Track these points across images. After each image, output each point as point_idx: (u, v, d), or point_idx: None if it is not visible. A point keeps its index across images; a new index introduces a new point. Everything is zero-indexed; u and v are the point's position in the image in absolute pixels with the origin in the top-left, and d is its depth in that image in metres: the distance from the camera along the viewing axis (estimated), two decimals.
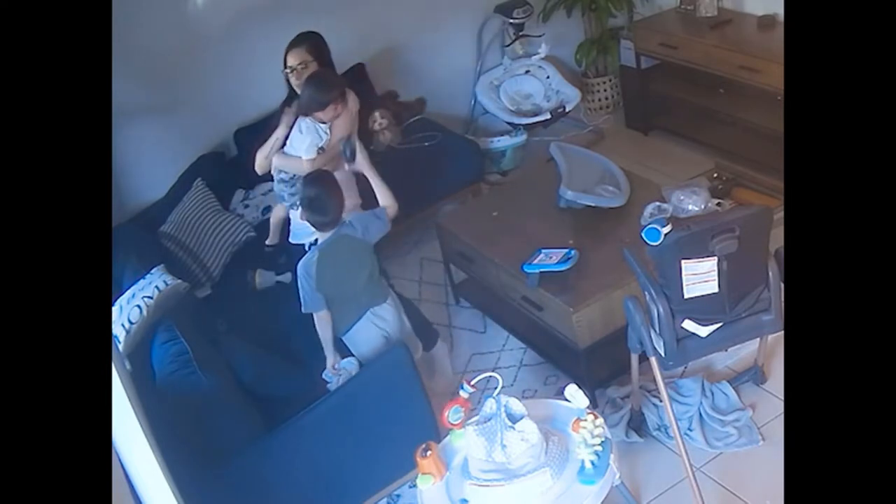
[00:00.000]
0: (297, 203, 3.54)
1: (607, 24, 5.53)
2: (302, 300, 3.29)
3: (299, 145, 3.61)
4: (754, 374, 3.43)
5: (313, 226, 3.32)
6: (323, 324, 3.32)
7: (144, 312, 3.43)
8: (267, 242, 4.13)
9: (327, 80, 3.66)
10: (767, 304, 2.91)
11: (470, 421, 2.62)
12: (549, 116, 5.15)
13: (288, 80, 3.77)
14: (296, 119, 3.61)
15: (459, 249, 4.00)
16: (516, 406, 2.57)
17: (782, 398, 3.28)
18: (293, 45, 3.77)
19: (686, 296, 2.78)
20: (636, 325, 2.93)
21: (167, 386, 3.08)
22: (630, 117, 5.57)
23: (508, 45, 5.40)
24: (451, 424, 2.68)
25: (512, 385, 3.72)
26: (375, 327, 3.38)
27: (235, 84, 4.68)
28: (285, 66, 3.75)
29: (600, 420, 2.55)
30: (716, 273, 2.75)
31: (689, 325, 2.86)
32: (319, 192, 3.26)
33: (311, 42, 3.80)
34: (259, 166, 3.73)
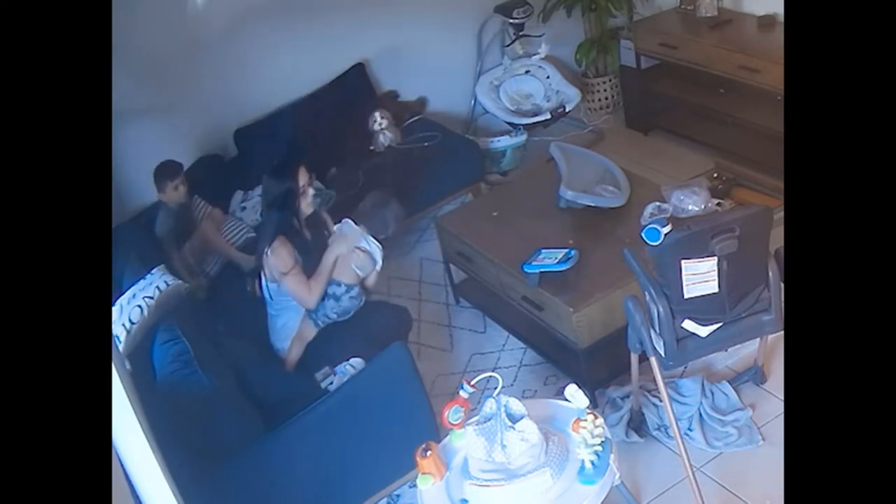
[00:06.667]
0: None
1: (607, 24, 5.52)
2: None
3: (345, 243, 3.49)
4: (754, 374, 3.43)
5: None
6: None
7: (145, 312, 3.43)
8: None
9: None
10: (767, 304, 2.91)
11: (470, 421, 2.62)
12: (549, 116, 5.15)
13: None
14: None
15: (459, 249, 4.00)
16: (516, 406, 2.57)
17: (782, 398, 3.28)
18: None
19: (686, 296, 2.78)
20: (636, 325, 2.93)
21: (168, 385, 3.08)
22: (630, 117, 5.57)
23: (508, 45, 5.39)
24: (451, 424, 2.68)
25: (512, 385, 3.72)
26: None
27: (235, 84, 4.68)
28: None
29: (600, 420, 2.54)
30: (716, 273, 2.75)
31: (689, 325, 2.86)
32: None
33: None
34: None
